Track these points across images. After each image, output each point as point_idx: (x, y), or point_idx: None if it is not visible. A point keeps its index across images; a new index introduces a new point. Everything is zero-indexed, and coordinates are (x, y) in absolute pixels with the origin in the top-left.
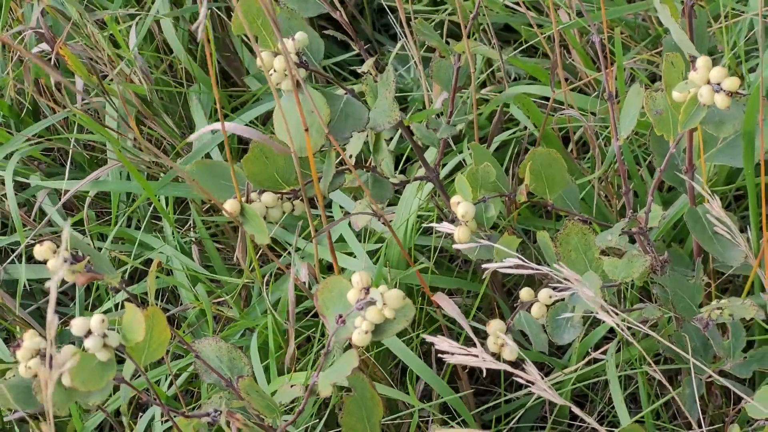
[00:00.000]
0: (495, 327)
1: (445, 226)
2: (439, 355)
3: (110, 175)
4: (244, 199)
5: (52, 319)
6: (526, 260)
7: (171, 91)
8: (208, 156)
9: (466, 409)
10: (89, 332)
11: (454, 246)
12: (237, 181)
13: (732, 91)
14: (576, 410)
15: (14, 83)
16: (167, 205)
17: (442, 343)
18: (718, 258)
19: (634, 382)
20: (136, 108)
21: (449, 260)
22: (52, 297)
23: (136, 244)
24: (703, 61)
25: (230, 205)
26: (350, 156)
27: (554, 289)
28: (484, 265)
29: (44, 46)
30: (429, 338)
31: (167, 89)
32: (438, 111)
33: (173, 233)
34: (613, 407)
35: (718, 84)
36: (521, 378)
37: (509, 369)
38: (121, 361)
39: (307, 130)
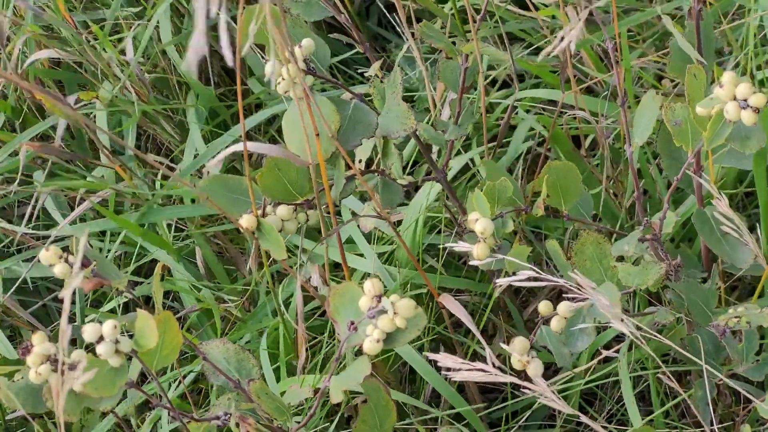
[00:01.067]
0: (518, 345)
1: (461, 246)
2: (444, 372)
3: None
4: (259, 212)
5: (65, 328)
6: (540, 272)
7: (170, 93)
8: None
9: (475, 416)
10: (101, 338)
11: (471, 262)
12: (247, 195)
13: (759, 107)
14: (584, 418)
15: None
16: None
17: (446, 359)
18: (727, 260)
19: (643, 380)
20: (137, 118)
21: (458, 260)
22: (66, 307)
23: (138, 246)
24: (728, 76)
25: (246, 221)
26: (360, 161)
27: (572, 299)
28: (498, 281)
29: (41, 54)
30: (432, 356)
31: (167, 105)
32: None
33: (172, 252)
34: (622, 406)
35: (745, 100)
36: (528, 389)
37: (516, 380)
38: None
39: (318, 135)
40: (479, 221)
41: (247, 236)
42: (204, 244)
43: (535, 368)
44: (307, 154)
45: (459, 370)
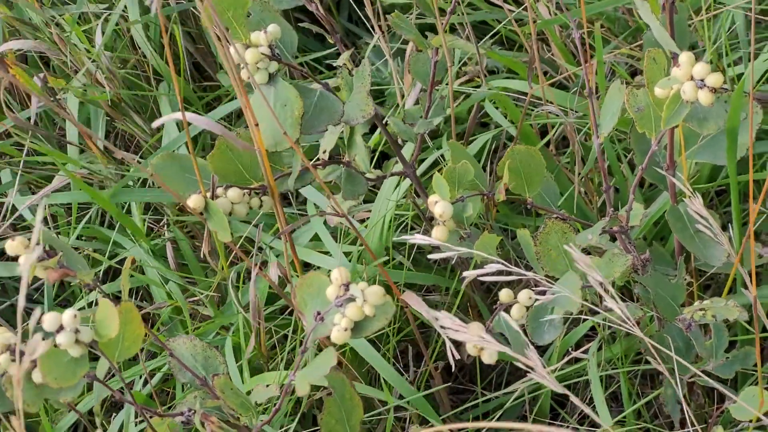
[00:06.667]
0: (473, 329)
1: (417, 238)
2: (441, 329)
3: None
4: (209, 194)
5: (23, 305)
6: (508, 265)
7: (141, 88)
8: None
9: (433, 412)
10: (61, 327)
11: (430, 256)
12: (202, 175)
13: (716, 87)
14: (574, 399)
15: None
16: (138, 209)
17: (445, 319)
18: (699, 257)
19: (615, 381)
20: (103, 110)
21: (426, 257)
22: (24, 281)
23: (111, 242)
24: (686, 56)
25: (193, 201)
26: (324, 151)
27: (534, 288)
28: (464, 273)
29: (13, 44)
30: (434, 313)
31: (138, 92)
32: (415, 109)
33: (143, 238)
34: (594, 408)
35: (702, 80)
36: (521, 363)
37: (510, 352)
38: (94, 359)
39: (257, 125)
40: (438, 204)
41: (198, 216)
42: (180, 235)
43: (489, 355)
44: (269, 140)
45: (458, 331)
